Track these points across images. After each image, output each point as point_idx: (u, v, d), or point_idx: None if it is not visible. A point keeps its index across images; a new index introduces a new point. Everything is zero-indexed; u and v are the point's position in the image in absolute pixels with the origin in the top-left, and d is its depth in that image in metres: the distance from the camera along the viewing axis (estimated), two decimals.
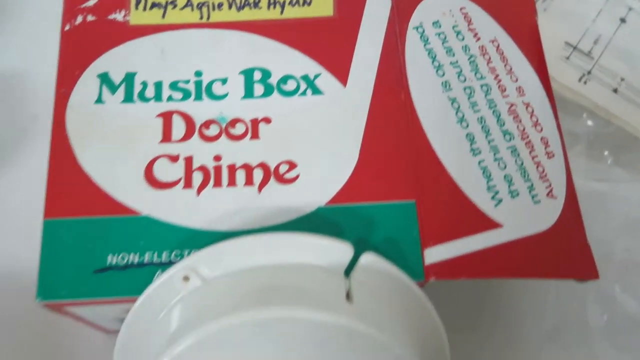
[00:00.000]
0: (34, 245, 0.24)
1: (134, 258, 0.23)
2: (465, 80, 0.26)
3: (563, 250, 0.24)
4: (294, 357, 0.20)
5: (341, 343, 0.20)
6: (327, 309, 0.20)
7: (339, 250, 0.22)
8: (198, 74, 0.26)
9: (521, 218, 0.24)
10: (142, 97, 0.25)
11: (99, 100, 0.25)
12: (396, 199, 0.24)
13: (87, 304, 0.23)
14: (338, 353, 0.20)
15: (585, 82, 0.32)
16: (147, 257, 0.23)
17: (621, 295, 0.27)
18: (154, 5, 0.27)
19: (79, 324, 0.29)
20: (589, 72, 0.32)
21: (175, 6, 0.27)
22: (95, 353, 0.29)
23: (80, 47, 0.26)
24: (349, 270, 0.22)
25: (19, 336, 0.30)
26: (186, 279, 0.22)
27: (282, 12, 0.27)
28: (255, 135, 0.25)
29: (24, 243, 0.29)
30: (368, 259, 0.22)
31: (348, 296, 0.22)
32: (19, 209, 0.32)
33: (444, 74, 0.26)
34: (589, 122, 0.31)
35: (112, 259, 0.23)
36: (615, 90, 0.32)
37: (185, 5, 0.27)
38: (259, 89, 0.26)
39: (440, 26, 0.27)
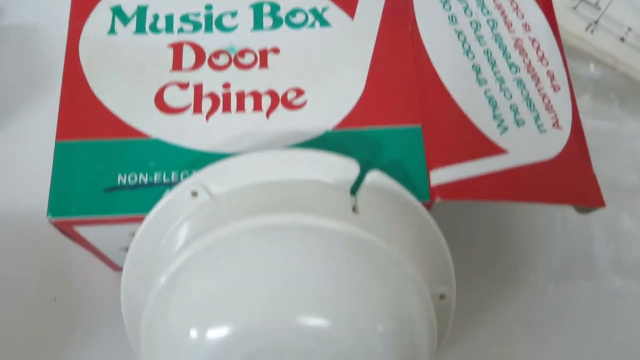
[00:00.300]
0: (44, 187, 0.24)
1: (143, 178, 0.23)
2: (471, 14, 0.27)
3: (569, 178, 0.25)
4: (302, 263, 0.20)
5: (348, 251, 0.21)
6: (334, 218, 0.21)
7: (344, 167, 0.22)
8: (208, 7, 0.26)
9: (527, 145, 0.25)
10: (154, 28, 0.26)
11: (112, 31, 0.26)
12: (402, 124, 0.24)
13: (97, 223, 0.23)
14: (345, 262, 0.20)
15: (592, 32, 0.32)
16: (156, 177, 0.23)
17: (628, 223, 0.27)
18: None
19: (89, 262, 0.29)
20: (596, 22, 0.32)
21: None
22: (104, 290, 0.30)
23: None
24: (355, 189, 0.23)
25: (30, 275, 0.30)
26: (194, 194, 0.22)
27: None
28: (264, 64, 0.25)
29: (33, 185, 0.30)
30: (374, 176, 0.22)
31: (354, 210, 0.22)
32: (31, 155, 0.33)
33: (450, 8, 0.27)
34: (596, 70, 0.31)
35: (122, 179, 0.23)
36: (622, 40, 0.32)
37: None
38: (267, 21, 0.26)
39: None
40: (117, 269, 0.29)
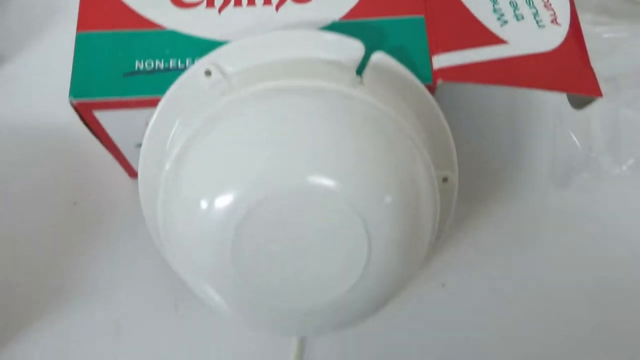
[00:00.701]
0: (64, 100, 0.25)
1: (159, 64, 0.25)
2: None
3: (567, 69, 0.26)
4: (309, 125, 0.21)
5: (356, 115, 0.22)
6: (342, 84, 0.22)
7: (351, 47, 0.23)
8: None
9: (526, 38, 0.26)
10: None
11: None
12: (406, 14, 0.25)
13: (116, 107, 0.24)
14: (353, 125, 0.21)
15: None
16: (171, 63, 0.25)
17: (625, 110, 0.28)
18: None
19: (108, 169, 0.30)
20: None
21: None
22: (122, 195, 0.31)
23: None
24: (361, 69, 0.24)
25: (52, 181, 0.31)
26: (208, 73, 0.23)
27: None
28: None
29: (54, 100, 0.31)
30: (378, 57, 0.23)
31: (361, 84, 0.23)
32: (51, 71, 0.34)
33: None
34: None
35: (139, 65, 0.24)
36: None
37: None
38: None
39: None
40: (134, 174, 0.31)
